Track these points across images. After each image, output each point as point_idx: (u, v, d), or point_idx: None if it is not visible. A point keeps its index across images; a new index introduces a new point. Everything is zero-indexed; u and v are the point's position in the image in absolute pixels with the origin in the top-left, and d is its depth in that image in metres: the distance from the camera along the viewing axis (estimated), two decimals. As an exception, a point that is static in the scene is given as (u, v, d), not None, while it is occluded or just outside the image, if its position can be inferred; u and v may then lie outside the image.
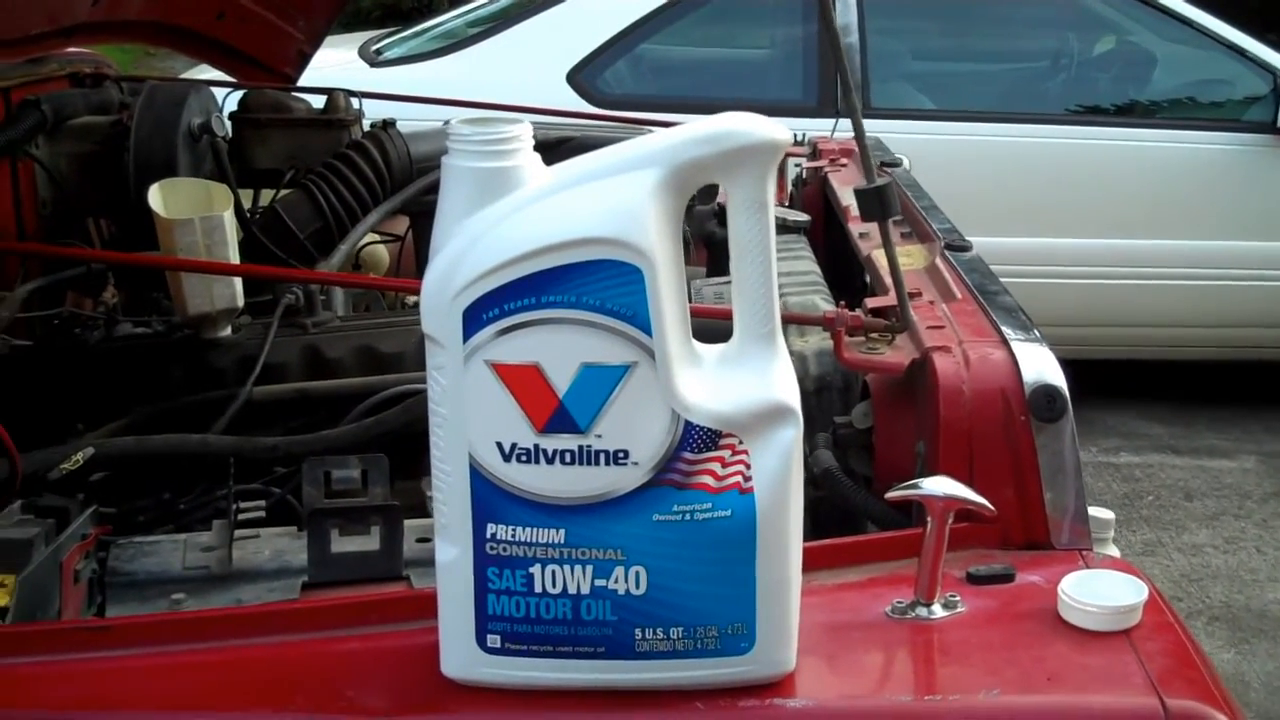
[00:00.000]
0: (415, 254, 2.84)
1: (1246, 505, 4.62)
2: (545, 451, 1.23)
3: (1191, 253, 5.23)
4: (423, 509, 1.82)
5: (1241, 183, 5.27)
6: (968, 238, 2.10)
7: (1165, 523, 4.48)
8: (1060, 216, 5.24)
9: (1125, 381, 5.43)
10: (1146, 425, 5.24)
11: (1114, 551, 1.62)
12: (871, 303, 1.78)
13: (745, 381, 1.26)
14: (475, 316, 1.21)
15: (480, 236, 1.21)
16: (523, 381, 1.22)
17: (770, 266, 1.25)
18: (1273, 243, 5.24)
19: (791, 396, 1.27)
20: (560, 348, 1.21)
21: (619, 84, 5.42)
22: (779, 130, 1.24)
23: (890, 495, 1.43)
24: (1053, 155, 5.28)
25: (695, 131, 1.23)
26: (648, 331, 1.21)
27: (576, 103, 4.95)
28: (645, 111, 4.03)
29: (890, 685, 1.38)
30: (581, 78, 5.26)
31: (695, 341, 1.28)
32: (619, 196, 1.21)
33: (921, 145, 4.07)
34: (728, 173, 1.23)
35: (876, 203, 1.67)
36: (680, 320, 1.25)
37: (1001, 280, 1.91)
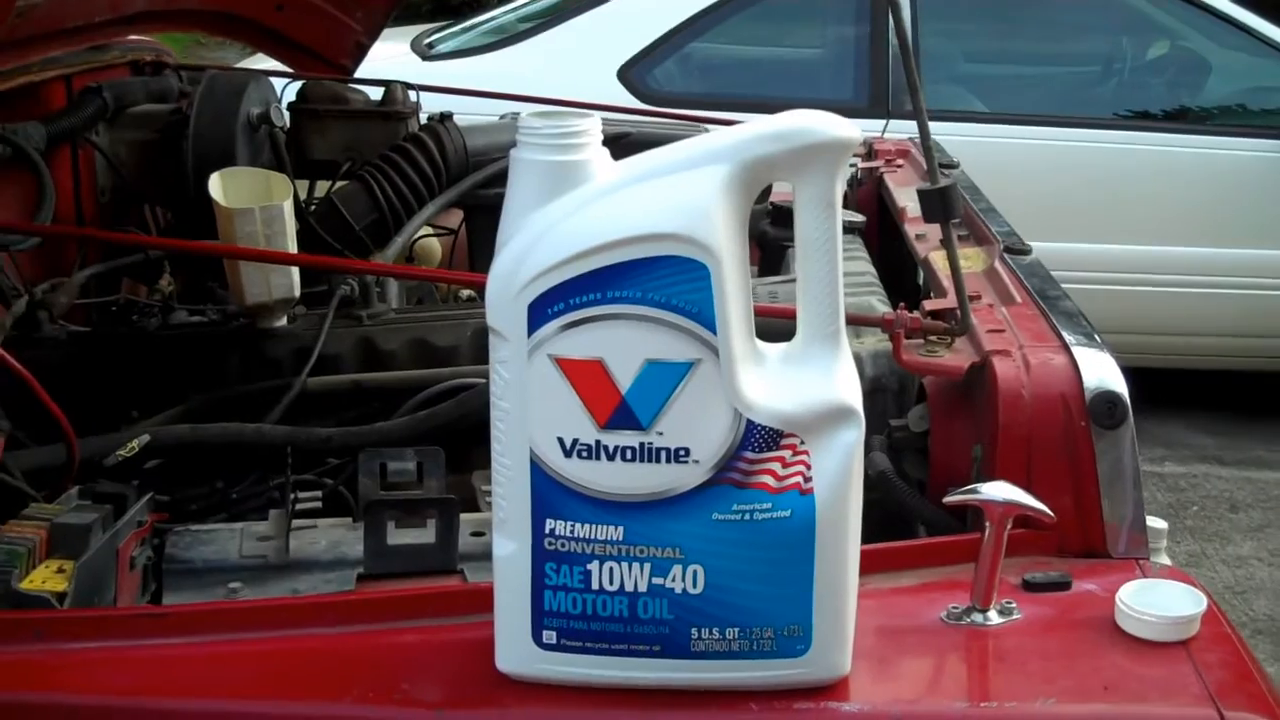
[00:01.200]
0: (469, 247, 2.84)
1: (1292, 518, 4.58)
2: (606, 448, 1.22)
3: (1244, 261, 5.17)
4: (473, 503, 1.82)
5: (1293, 191, 5.21)
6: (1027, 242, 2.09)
7: (1210, 534, 4.44)
8: (1110, 222, 5.20)
9: (1173, 391, 5.38)
10: (1193, 435, 5.19)
11: (1166, 560, 1.61)
12: (930, 305, 1.77)
13: (808, 381, 1.25)
14: (540, 310, 1.21)
15: (547, 230, 1.21)
16: (586, 377, 1.22)
17: (836, 266, 1.24)
18: (1327, 252, 5.18)
19: (854, 398, 1.26)
20: (624, 343, 1.21)
21: (669, 81, 5.41)
22: (849, 128, 1.23)
23: (949, 499, 1.42)
24: (1104, 160, 5.23)
25: (764, 128, 1.23)
26: (712, 329, 1.21)
27: (627, 99, 4.94)
28: (695, 109, 4.02)
29: (945, 691, 1.37)
30: (632, 75, 5.26)
31: (758, 340, 1.28)
32: (687, 192, 1.21)
33: (973, 147, 4.03)
34: (796, 170, 1.23)
35: (939, 204, 1.66)
36: (745, 318, 1.24)
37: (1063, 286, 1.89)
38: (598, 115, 1.25)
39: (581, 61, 5.24)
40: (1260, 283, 5.17)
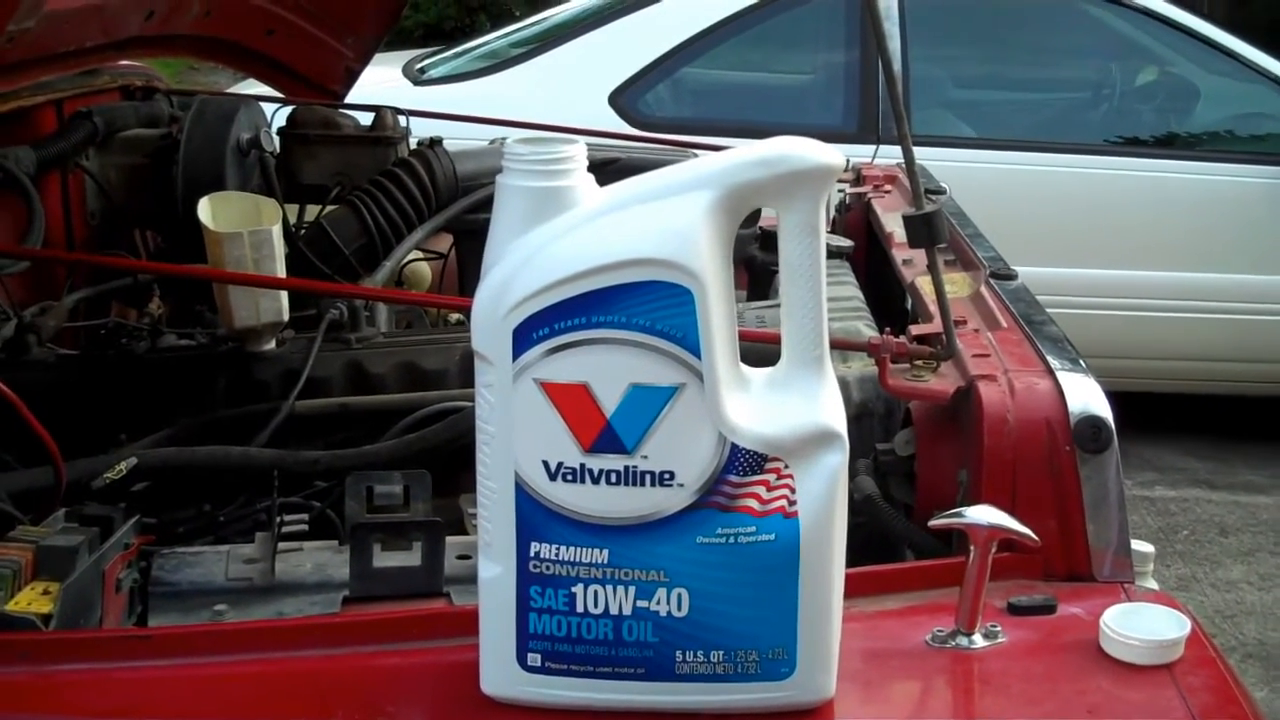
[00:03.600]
0: (459, 272, 2.85)
1: (1283, 542, 4.59)
2: (591, 471, 1.23)
3: (1232, 287, 5.19)
4: (460, 526, 1.82)
5: (1282, 217, 5.24)
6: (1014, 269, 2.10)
7: (1200, 558, 4.45)
8: (1099, 247, 5.21)
9: (1163, 415, 5.40)
10: (1183, 459, 5.20)
11: (1153, 585, 1.61)
12: (916, 330, 1.78)
13: (792, 405, 1.26)
14: (525, 335, 1.22)
15: (532, 255, 1.22)
16: (571, 401, 1.22)
17: (820, 291, 1.25)
18: (1314, 278, 5.20)
19: (838, 422, 1.27)
20: (609, 368, 1.22)
21: (660, 106, 5.43)
22: (833, 155, 1.24)
23: (934, 523, 1.43)
24: (1093, 186, 5.26)
25: (749, 155, 1.24)
26: (696, 354, 1.22)
27: (618, 124, 4.96)
28: (686, 134, 4.03)
29: (929, 714, 1.38)
30: (623, 100, 5.27)
31: (743, 365, 1.28)
32: (672, 218, 1.22)
33: (962, 173, 4.05)
34: (781, 196, 1.24)
35: (924, 229, 1.67)
36: (729, 343, 1.25)
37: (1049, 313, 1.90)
38: (583, 141, 1.26)
39: (573, 87, 5.26)
40: (1250, 308, 5.19)
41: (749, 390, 1.27)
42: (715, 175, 1.24)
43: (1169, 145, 5.48)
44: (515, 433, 1.23)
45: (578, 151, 1.25)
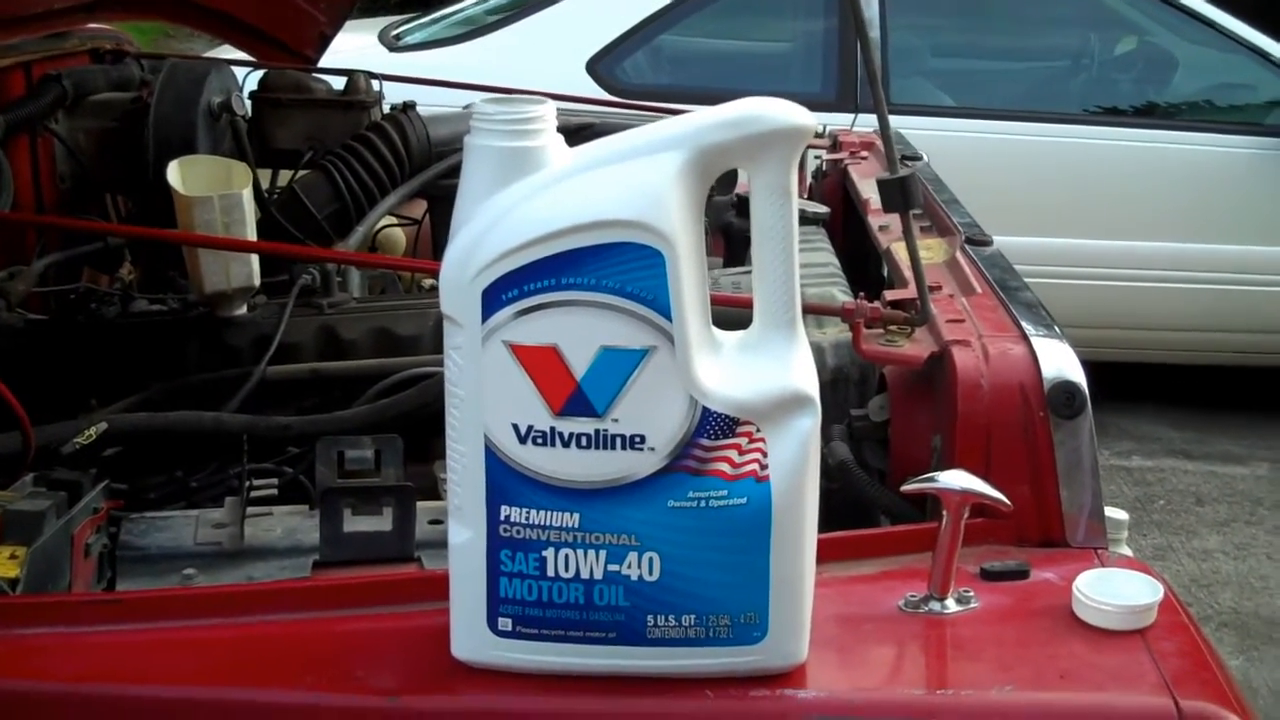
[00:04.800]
0: (433, 237, 2.83)
1: (1258, 512, 4.60)
2: (561, 434, 1.22)
3: (1209, 257, 5.20)
4: (435, 492, 1.81)
5: (1261, 187, 5.24)
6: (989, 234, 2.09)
7: (1176, 528, 4.47)
8: (1077, 217, 5.21)
9: (1140, 385, 5.41)
10: (1160, 429, 5.22)
11: (1127, 552, 1.61)
12: (891, 295, 1.77)
13: (764, 368, 1.25)
14: (494, 297, 1.20)
15: (501, 217, 1.21)
16: (540, 363, 1.21)
17: (792, 253, 1.24)
18: (1292, 247, 5.22)
19: (810, 385, 1.26)
20: (579, 330, 1.20)
21: (638, 74, 5.40)
22: (803, 115, 1.23)
23: (906, 488, 1.42)
24: (1071, 155, 5.25)
25: (719, 115, 1.23)
26: (667, 316, 1.20)
27: (595, 92, 4.93)
28: (664, 102, 4.02)
29: (901, 679, 1.37)
30: (600, 67, 5.25)
31: (714, 328, 1.27)
32: (642, 179, 1.21)
33: (940, 142, 4.04)
34: (751, 157, 1.23)
35: (899, 193, 1.66)
36: (700, 305, 1.24)
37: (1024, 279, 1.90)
38: (552, 102, 1.24)
39: (550, 54, 5.23)
40: (1228, 277, 5.19)
41: (720, 353, 1.26)
42: (685, 136, 1.23)
43: (1148, 115, 5.48)
44: (485, 395, 1.22)
45: (547, 112, 1.23)
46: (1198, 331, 5.28)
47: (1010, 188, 5.08)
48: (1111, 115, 5.47)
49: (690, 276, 1.22)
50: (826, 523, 1.65)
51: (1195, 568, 4.20)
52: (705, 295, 1.25)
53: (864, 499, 1.69)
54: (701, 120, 1.23)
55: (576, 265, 1.20)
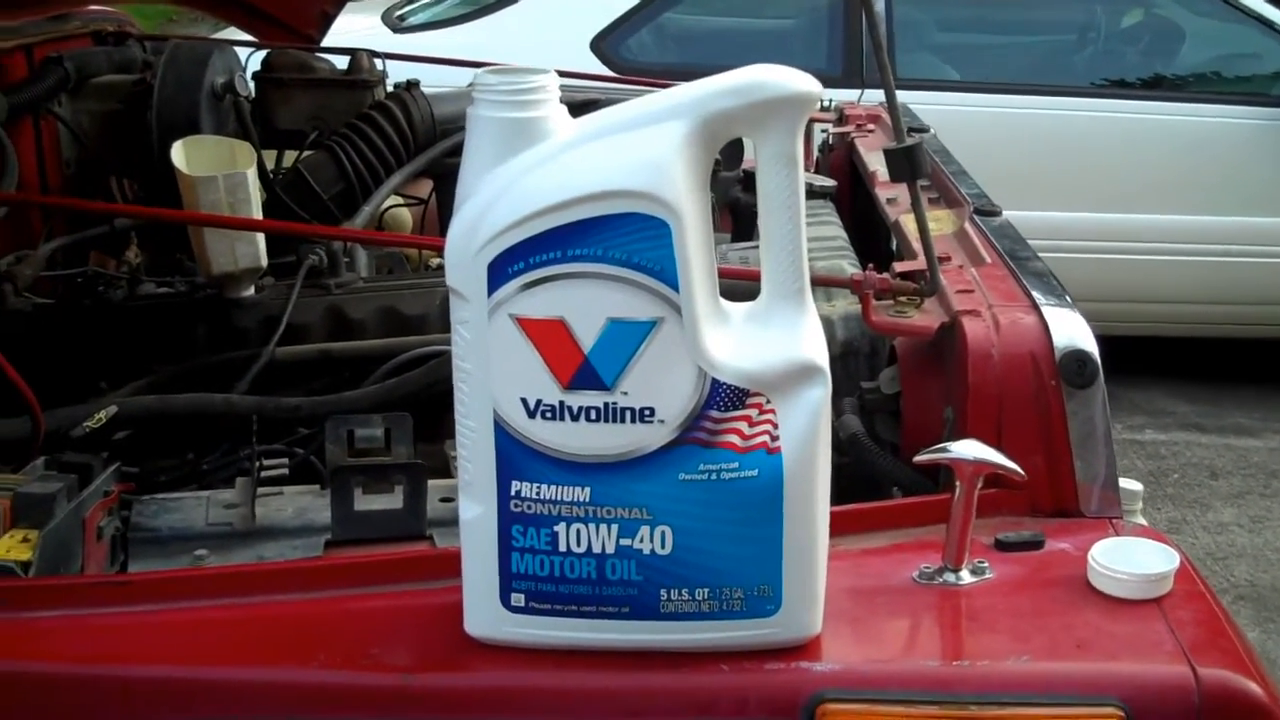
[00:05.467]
0: (439, 216, 2.82)
1: (1273, 484, 4.58)
2: (570, 408, 1.21)
3: (1219, 228, 5.17)
4: (446, 471, 1.81)
5: (1269, 157, 5.21)
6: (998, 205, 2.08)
7: (1190, 501, 4.45)
8: (1085, 190, 5.19)
9: (1152, 358, 5.39)
10: (1173, 403, 5.20)
11: (1142, 522, 1.60)
12: (900, 266, 1.76)
13: (773, 339, 1.24)
14: (500, 270, 1.19)
15: (506, 188, 1.20)
16: (548, 336, 1.20)
17: (799, 222, 1.23)
18: (1302, 218, 5.19)
19: (820, 355, 1.25)
20: (586, 302, 1.19)
21: (642, 52, 5.38)
22: (809, 82, 1.22)
23: (918, 459, 1.41)
24: (1079, 128, 5.23)
25: (724, 83, 1.22)
26: (674, 287, 1.19)
27: (600, 70, 4.91)
28: (669, 80, 4.00)
29: (917, 650, 1.36)
30: (605, 45, 5.23)
31: (722, 299, 1.26)
32: (647, 149, 1.20)
33: (947, 116, 4.01)
34: (757, 125, 1.22)
35: (906, 163, 1.65)
36: (707, 276, 1.23)
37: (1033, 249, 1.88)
38: (554, 72, 1.23)
39: (554, 33, 5.21)
40: (1240, 249, 5.17)
41: (729, 324, 1.25)
42: (689, 105, 1.21)
43: (1155, 87, 5.44)
44: (492, 370, 1.21)
45: (550, 81, 1.22)
46: (1209, 304, 5.25)
47: (1018, 161, 5.06)
48: (1118, 88, 5.44)
49: (697, 246, 1.21)
50: (839, 496, 1.65)
51: (1210, 541, 4.18)
52: (712, 265, 1.24)
53: (876, 472, 1.68)
54: (706, 88, 1.22)
55: (582, 236, 1.19)
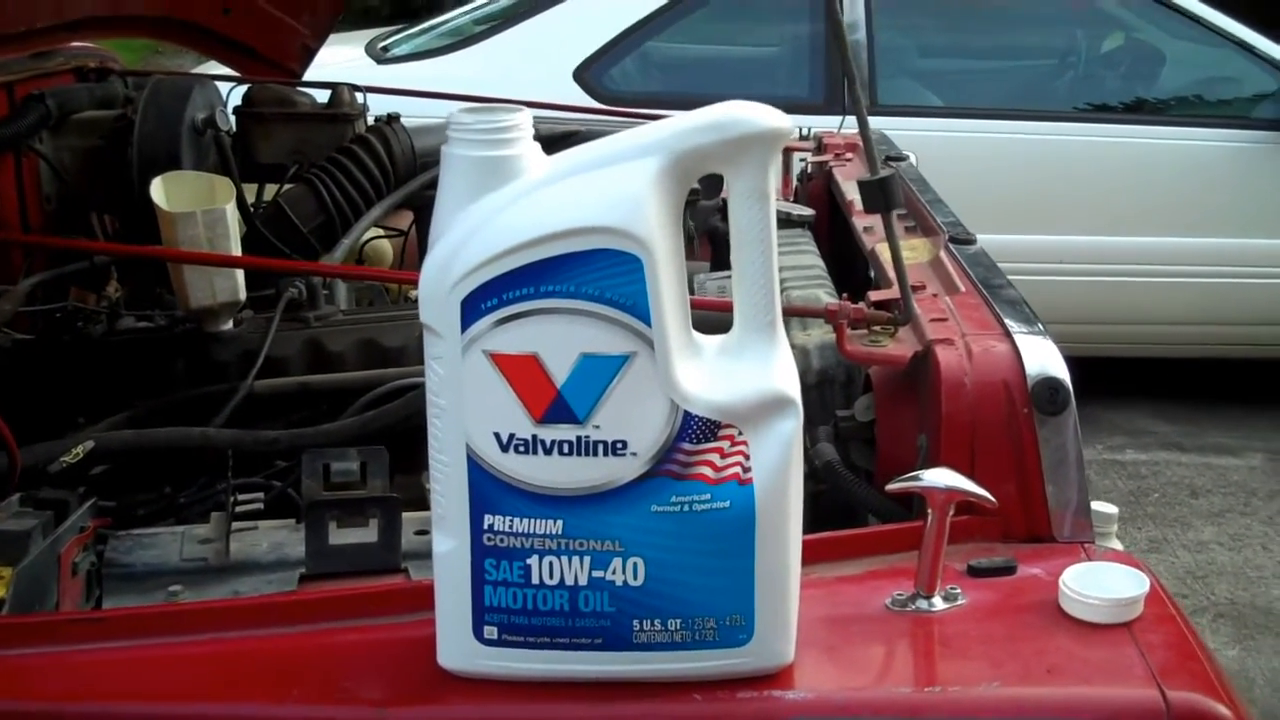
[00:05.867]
0: (419, 248, 2.83)
1: (1253, 503, 4.61)
2: (543, 442, 1.22)
3: (1198, 250, 5.21)
4: (423, 503, 1.81)
5: (1249, 180, 5.25)
6: (973, 233, 2.09)
7: (1171, 520, 4.47)
8: (1068, 214, 5.22)
9: (1132, 379, 5.42)
10: (1153, 423, 5.22)
11: (1116, 545, 1.61)
12: (874, 295, 1.77)
13: (745, 372, 1.25)
14: (474, 306, 1.20)
15: (479, 225, 1.21)
16: (521, 371, 1.21)
17: (771, 257, 1.24)
18: (1280, 240, 5.23)
19: (792, 387, 1.26)
20: (559, 338, 1.20)
21: (625, 81, 5.41)
22: (780, 119, 1.23)
23: (891, 487, 1.42)
24: (1060, 153, 5.26)
25: (696, 120, 1.23)
26: (646, 321, 1.21)
27: (583, 100, 4.94)
28: (652, 108, 4.02)
29: (890, 677, 1.37)
30: (588, 75, 5.25)
31: (695, 332, 1.27)
32: (619, 185, 1.21)
33: (929, 142, 4.05)
34: (729, 161, 1.23)
35: (880, 194, 1.67)
36: (680, 310, 1.24)
37: (1007, 275, 1.90)
38: (528, 110, 1.25)
39: (537, 62, 5.24)
40: (1219, 270, 5.20)
41: (701, 357, 1.26)
42: (662, 141, 1.23)
43: (1136, 111, 5.48)
44: (466, 405, 1.22)
45: (523, 120, 1.23)
46: (1189, 325, 5.28)
47: (1000, 186, 5.09)
48: (1099, 112, 5.47)
49: (669, 281, 1.22)
50: (815, 524, 1.66)
51: (1190, 559, 4.20)
52: (685, 300, 1.25)
53: (852, 499, 1.69)
54: (678, 125, 1.24)
55: (555, 273, 1.20)
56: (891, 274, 1.77)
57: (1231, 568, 4.16)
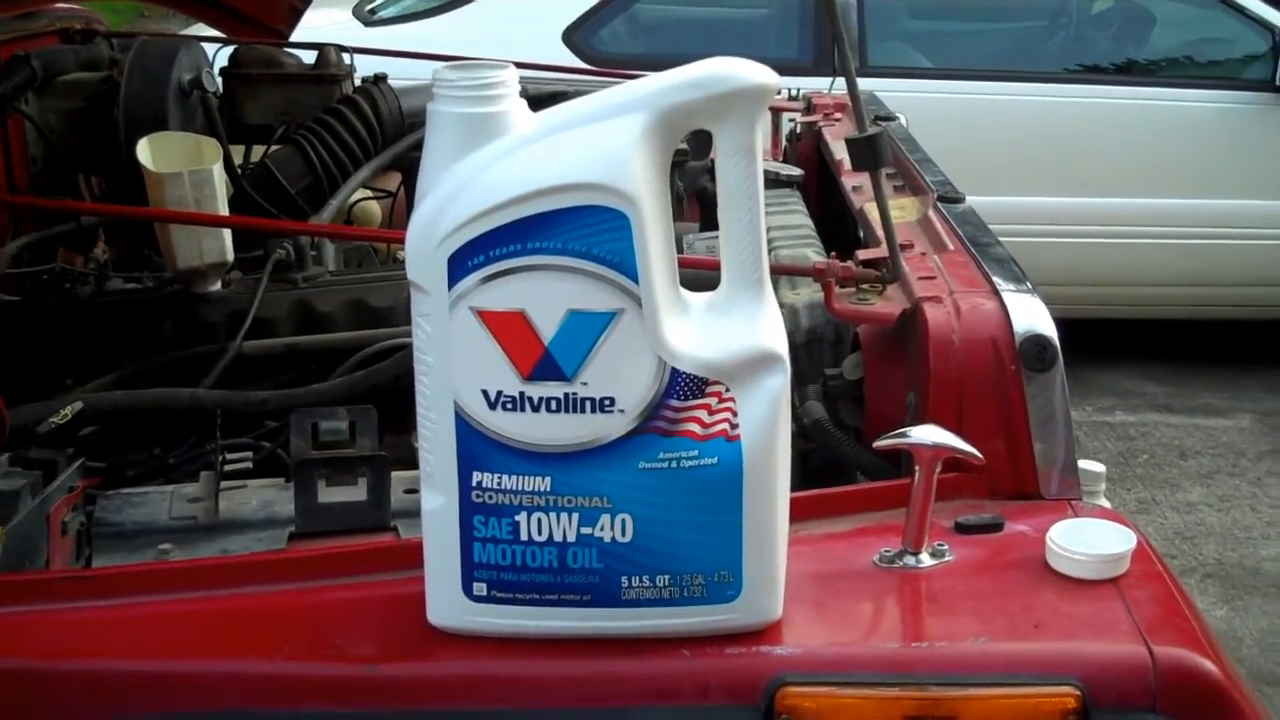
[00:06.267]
0: (407, 210, 2.82)
1: (1241, 463, 4.62)
2: (531, 399, 1.22)
3: (1189, 211, 5.21)
4: (413, 462, 1.81)
5: (1239, 141, 5.25)
6: (961, 192, 2.09)
7: (1159, 481, 4.48)
8: (1058, 175, 5.22)
9: (1121, 340, 5.42)
10: (1142, 384, 5.23)
11: (1105, 504, 1.62)
12: (863, 254, 1.77)
13: (732, 328, 1.25)
14: (460, 263, 1.20)
15: (466, 182, 1.21)
16: (508, 328, 1.21)
17: (758, 213, 1.24)
18: (1270, 201, 5.22)
19: (779, 344, 1.26)
20: (546, 294, 1.20)
21: (615, 42, 5.39)
22: (766, 74, 1.23)
23: (878, 444, 1.42)
24: (1051, 114, 5.25)
25: (682, 76, 1.23)
26: (634, 278, 1.21)
27: (572, 61, 4.91)
28: (642, 70, 4.00)
29: (877, 633, 1.38)
30: (577, 36, 5.23)
31: (682, 289, 1.27)
32: (606, 142, 1.21)
33: (919, 104, 4.03)
34: (715, 118, 1.23)
35: (868, 152, 1.66)
36: (667, 267, 1.24)
37: (996, 235, 1.90)
38: (513, 67, 1.24)
39: (526, 24, 5.21)
40: (1209, 232, 5.21)
41: (688, 314, 1.26)
42: (648, 98, 1.22)
43: (1126, 72, 5.47)
44: (453, 362, 1.22)
45: (509, 76, 1.23)
46: (1179, 286, 5.29)
47: (991, 148, 5.09)
48: (1090, 73, 5.46)
49: (656, 238, 1.22)
50: (805, 482, 1.67)
51: (1179, 520, 4.22)
52: (672, 256, 1.25)
53: (840, 457, 1.69)
54: (664, 81, 1.23)
55: (542, 229, 1.20)
56: (880, 232, 1.77)
57: (1220, 528, 4.17)
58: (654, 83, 1.24)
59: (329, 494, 1.56)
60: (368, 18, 5.58)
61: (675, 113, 1.23)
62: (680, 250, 1.62)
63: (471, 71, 1.22)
